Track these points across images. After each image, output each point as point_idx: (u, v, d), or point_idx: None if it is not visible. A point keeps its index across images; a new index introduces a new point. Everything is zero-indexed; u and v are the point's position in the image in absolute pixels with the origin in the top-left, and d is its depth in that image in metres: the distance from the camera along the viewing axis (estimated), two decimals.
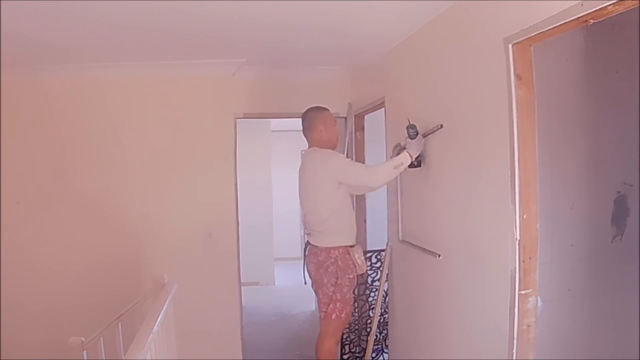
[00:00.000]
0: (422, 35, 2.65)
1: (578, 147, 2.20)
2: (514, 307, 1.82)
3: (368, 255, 3.36)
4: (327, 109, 2.98)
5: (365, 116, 3.81)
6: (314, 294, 2.98)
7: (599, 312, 2.20)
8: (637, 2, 1.34)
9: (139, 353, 1.69)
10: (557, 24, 1.56)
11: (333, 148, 2.91)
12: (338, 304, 2.76)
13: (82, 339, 2.03)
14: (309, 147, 2.94)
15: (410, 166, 2.59)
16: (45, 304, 3.39)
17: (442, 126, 2.41)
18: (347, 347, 3.55)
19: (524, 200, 1.82)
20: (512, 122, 1.82)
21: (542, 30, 1.64)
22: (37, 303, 3.39)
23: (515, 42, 1.79)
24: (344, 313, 2.80)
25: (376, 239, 3.40)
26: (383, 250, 3.29)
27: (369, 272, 3.40)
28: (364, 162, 3.66)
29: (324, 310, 2.80)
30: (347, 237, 2.82)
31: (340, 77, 3.84)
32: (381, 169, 2.66)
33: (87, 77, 3.42)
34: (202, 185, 3.58)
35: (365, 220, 3.86)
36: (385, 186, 3.09)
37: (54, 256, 3.46)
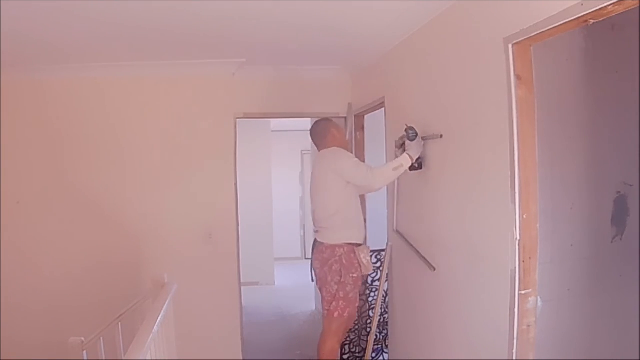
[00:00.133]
0: (422, 35, 2.65)
1: (578, 147, 2.20)
2: (514, 307, 1.82)
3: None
4: (334, 120, 3.14)
5: (365, 116, 3.81)
6: (319, 292, 2.99)
7: (599, 312, 2.20)
8: (637, 2, 1.34)
9: (139, 353, 1.69)
10: (557, 24, 1.56)
11: (346, 150, 3.00)
12: (341, 302, 2.78)
13: (82, 339, 2.03)
14: (320, 150, 3.01)
15: (411, 168, 2.60)
16: (45, 304, 3.39)
17: (442, 136, 2.42)
18: (347, 347, 3.55)
19: (524, 200, 1.82)
20: (512, 122, 1.82)
21: (542, 30, 1.64)
22: (37, 303, 3.39)
23: (515, 42, 1.79)
24: (346, 312, 2.81)
25: (376, 239, 3.40)
26: (383, 250, 3.29)
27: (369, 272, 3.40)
28: (363, 162, 3.66)
29: (326, 308, 2.82)
30: (353, 235, 2.84)
31: (340, 77, 3.84)
32: (380, 171, 2.69)
33: (87, 77, 3.42)
34: (202, 185, 3.58)
35: (365, 220, 3.86)
36: (385, 186, 3.09)
37: (54, 256, 3.46)
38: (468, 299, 2.24)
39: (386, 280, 3.30)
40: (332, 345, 2.86)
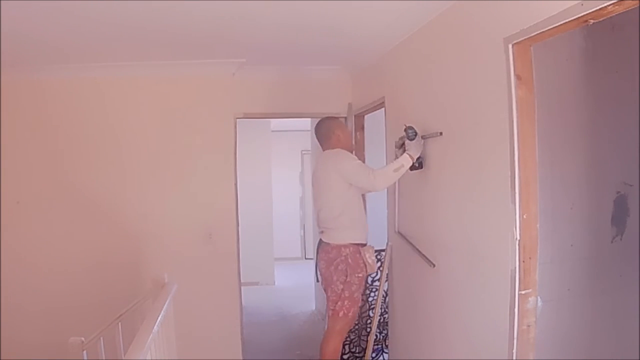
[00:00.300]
0: (422, 35, 2.65)
1: (578, 147, 2.20)
2: (514, 307, 1.82)
3: None
4: (339, 118, 3.12)
5: (365, 116, 3.81)
6: (323, 292, 3.00)
7: (599, 312, 2.20)
8: (637, 2, 1.34)
9: (139, 353, 1.69)
10: (557, 24, 1.56)
11: (350, 151, 3.02)
12: (346, 302, 2.80)
13: (82, 339, 2.03)
14: (324, 151, 3.02)
15: (411, 168, 2.60)
16: (45, 304, 3.39)
17: (441, 134, 2.42)
18: (347, 347, 3.54)
19: (524, 200, 1.82)
20: (512, 122, 1.82)
21: (542, 30, 1.64)
22: (37, 303, 3.39)
23: (515, 42, 1.79)
24: (351, 311, 2.83)
25: (376, 239, 3.40)
26: (383, 250, 3.29)
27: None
28: (364, 162, 3.66)
29: (331, 307, 2.83)
30: (358, 235, 2.87)
31: (340, 77, 3.84)
32: (382, 173, 2.69)
33: (87, 77, 3.42)
34: (202, 185, 3.58)
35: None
36: None
37: (54, 256, 3.46)
38: (468, 299, 2.24)
39: (386, 280, 3.30)
40: (336, 345, 2.88)
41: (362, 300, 3.50)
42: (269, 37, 2.88)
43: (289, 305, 5.45)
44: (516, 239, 1.82)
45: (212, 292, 3.56)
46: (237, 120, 3.68)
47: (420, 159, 2.61)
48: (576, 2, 1.45)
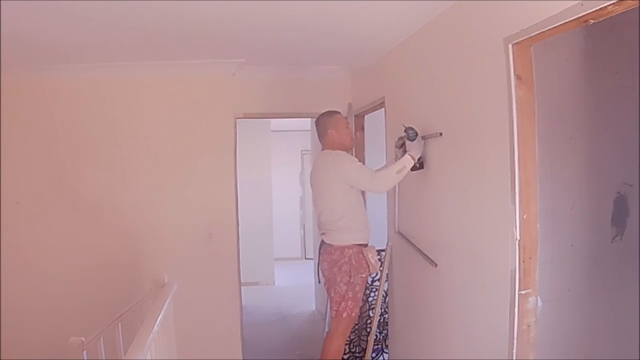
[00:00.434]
0: (422, 35, 2.65)
1: (578, 147, 2.20)
2: (514, 307, 1.82)
3: None
4: (338, 112, 3.04)
5: (365, 116, 3.81)
6: (326, 293, 2.99)
7: (599, 312, 2.20)
8: (637, 2, 1.34)
9: (139, 353, 1.69)
10: (557, 24, 1.56)
11: (347, 150, 2.97)
12: (349, 303, 2.80)
13: (82, 339, 2.02)
14: (322, 150, 2.98)
15: (412, 169, 2.60)
16: (45, 304, 3.39)
17: (441, 134, 2.42)
18: (347, 347, 3.54)
19: (524, 200, 1.82)
20: (512, 122, 1.82)
21: (542, 30, 1.64)
22: (37, 303, 3.39)
23: (515, 42, 1.79)
24: (354, 312, 2.84)
25: (376, 239, 3.40)
26: (383, 250, 3.29)
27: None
28: (364, 162, 3.66)
29: (335, 308, 2.83)
30: (361, 236, 2.86)
31: (340, 77, 3.84)
32: (384, 175, 2.67)
33: (87, 77, 3.42)
34: (202, 186, 3.58)
35: None
36: None
37: (54, 256, 3.46)
38: (468, 299, 2.24)
39: (386, 280, 3.30)
40: (339, 346, 2.87)
41: (362, 300, 3.50)
42: (269, 37, 2.88)
43: (289, 305, 5.45)
44: (516, 239, 1.82)
45: (212, 292, 3.57)
46: (237, 120, 3.69)
47: (421, 159, 2.61)
48: (576, 2, 1.45)
